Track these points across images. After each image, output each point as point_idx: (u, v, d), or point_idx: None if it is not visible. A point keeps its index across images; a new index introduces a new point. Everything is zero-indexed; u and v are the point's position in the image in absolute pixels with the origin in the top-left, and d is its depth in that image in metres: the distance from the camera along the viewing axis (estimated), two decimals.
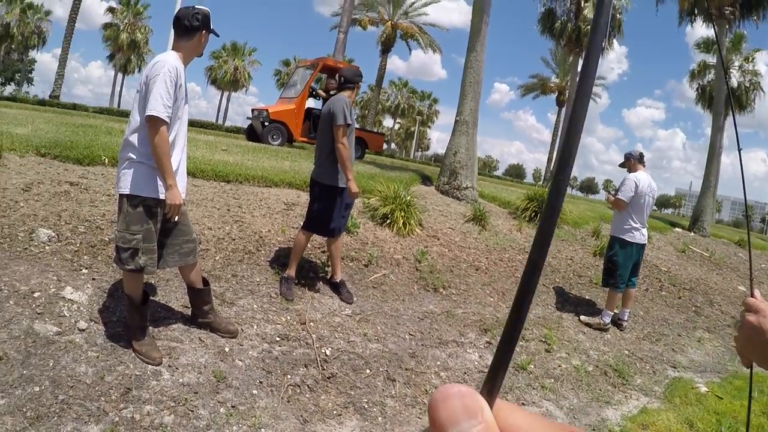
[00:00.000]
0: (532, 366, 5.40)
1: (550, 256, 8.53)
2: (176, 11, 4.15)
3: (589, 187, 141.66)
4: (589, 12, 30.50)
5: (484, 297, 6.90)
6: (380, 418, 4.20)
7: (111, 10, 57.67)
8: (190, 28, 4.03)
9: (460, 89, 11.05)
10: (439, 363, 5.06)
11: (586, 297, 7.92)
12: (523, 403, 4.69)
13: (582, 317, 7.07)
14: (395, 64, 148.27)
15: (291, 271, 5.73)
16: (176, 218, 4.04)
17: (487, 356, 5.43)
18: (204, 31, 4.11)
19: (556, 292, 7.71)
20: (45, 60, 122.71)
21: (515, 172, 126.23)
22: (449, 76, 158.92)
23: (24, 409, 3.27)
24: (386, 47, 45.27)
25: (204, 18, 4.07)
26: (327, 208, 5.62)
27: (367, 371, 4.64)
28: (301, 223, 6.02)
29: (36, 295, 4.52)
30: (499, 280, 7.44)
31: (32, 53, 67.08)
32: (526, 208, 10.00)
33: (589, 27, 30.33)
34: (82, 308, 4.53)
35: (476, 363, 5.24)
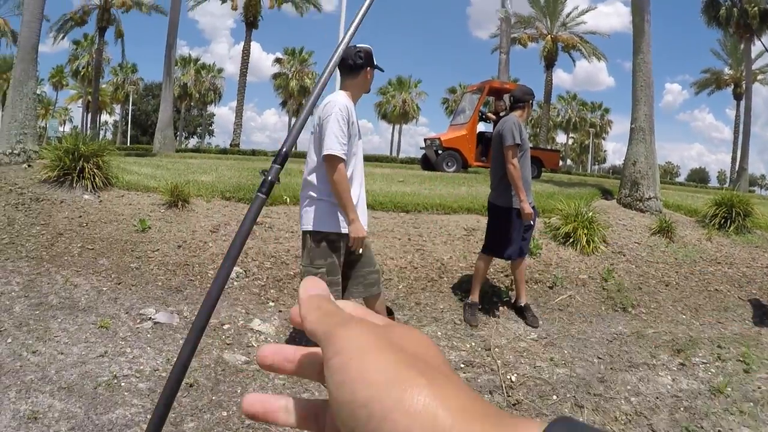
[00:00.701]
0: (729, 389, 4.88)
1: (743, 266, 7.83)
2: None
3: None
4: None
5: (675, 314, 6.45)
6: None
7: (278, 60, 61.36)
8: (354, 67, 4.14)
9: (631, 95, 10.57)
10: (629, 388, 4.75)
11: None
12: (719, 430, 4.29)
13: None
14: (560, 77, 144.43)
15: (474, 297, 5.70)
16: (360, 250, 4.14)
17: (681, 379, 5.02)
18: (369, 68, 4.21)
19: (753, 306, 6.99)
20: (222, 113, 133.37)
21: (698, 177, 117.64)
22: (617, 83, 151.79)
23: None
24: (549, 62, 44.61)
25: (367, 55, 4.16)
26: (505, 230, 5.54)
27: (554, 397, 4.46)
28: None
29: (226, 327, 4.87)
30: (691, 295, 6.93)
31: (210, 108, 72.84)
32: (715, 215, 9.24)
33: (756, 8, 28.26)
34: (269, 339, 4.81)
35: (669, 387, 4.84)
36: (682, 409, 4.48)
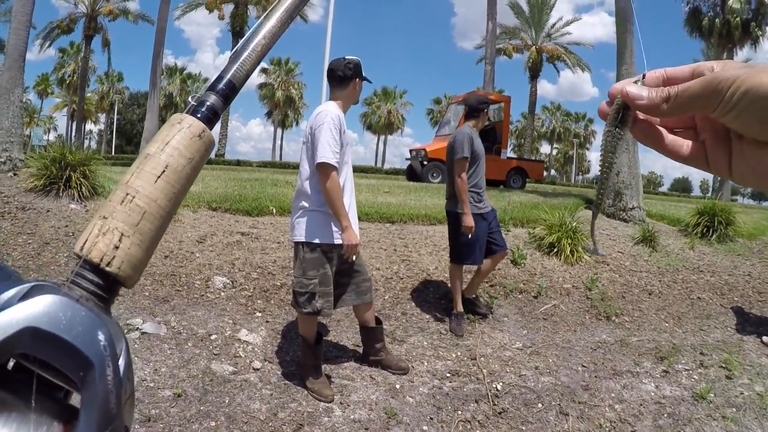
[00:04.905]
0: (712, 395, 4.98)
1: (725, 274, 7.93)
2: (328, 64, 4.37)
3: (761, 194, 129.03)
4: (734, 2, 28.80)
5: (659, 323, 6.53)
6: None
7: (264, 70, 61.09)
8: (344, 78, 4.23)
9: None
10: (613, 395, 4.81)
11: None
12: None
13: (765, 338, 6.46)
14: (545, 88, 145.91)
15: (458, 307, 5.72)
16: (354, 257, 4.18)
17: (664, 386, 5.10)
18: (357, 79, 4.29)
19: (735, 313, 7.10)
20: None
21: (681, 186, 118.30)
22: (602, 94, 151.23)
23: None
24: (534, 72, 44.92)
25: (356, 67, 4.25)
26: (464, 237, 5.53)
27: (539, 405, 4.51)
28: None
29: (213, 337, 4.88)
30: (673, 303, 7.02)
31: None
32: (697, 224, 9.36)
33: (738, 19, 28.81)
34: (256, 349, 4.81)
35: (652, 394, 4.91)
36: (665, 415, 4.55)
